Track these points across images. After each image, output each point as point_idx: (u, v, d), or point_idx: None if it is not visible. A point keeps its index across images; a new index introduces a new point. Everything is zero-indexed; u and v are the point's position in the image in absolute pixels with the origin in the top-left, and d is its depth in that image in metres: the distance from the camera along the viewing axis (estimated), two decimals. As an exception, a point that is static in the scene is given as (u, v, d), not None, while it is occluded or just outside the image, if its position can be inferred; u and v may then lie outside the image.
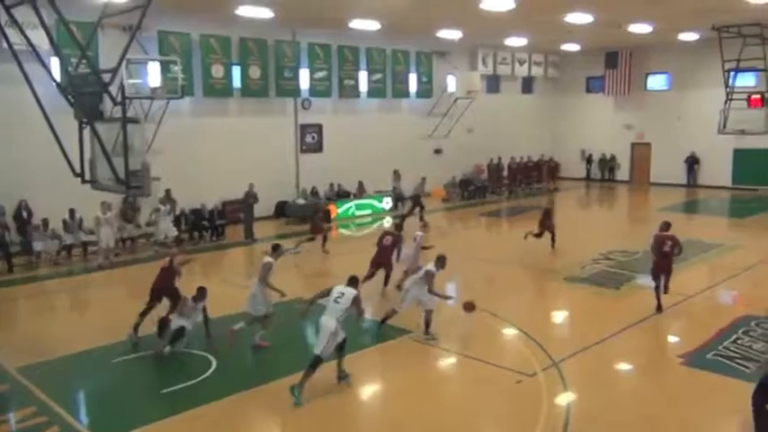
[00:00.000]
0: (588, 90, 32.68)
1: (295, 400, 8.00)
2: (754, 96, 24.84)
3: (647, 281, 13.68)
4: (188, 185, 19.13)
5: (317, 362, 8.18)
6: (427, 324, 10.38)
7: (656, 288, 11.63)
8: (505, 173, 28.99)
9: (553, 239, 16.64)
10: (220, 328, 10.22)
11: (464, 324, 11.16)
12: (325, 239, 16.74)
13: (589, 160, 32.40)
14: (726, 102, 24.20)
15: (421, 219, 20.01)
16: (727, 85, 24.22)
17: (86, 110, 8.95)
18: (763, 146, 26.14)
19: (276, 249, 10.45)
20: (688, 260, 15.35)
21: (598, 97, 31.79)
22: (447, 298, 10.74)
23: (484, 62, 28.42)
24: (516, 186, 28.83)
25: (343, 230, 20.99)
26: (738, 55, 23.24)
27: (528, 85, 32.02)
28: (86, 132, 9.30)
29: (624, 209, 26.60)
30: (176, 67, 17.76)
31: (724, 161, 27.94)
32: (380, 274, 12.87)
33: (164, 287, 10.26)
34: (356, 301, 8.36)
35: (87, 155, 9.51)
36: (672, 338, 10.79)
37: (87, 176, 9.61)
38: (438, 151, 27.40)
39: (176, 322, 9.71)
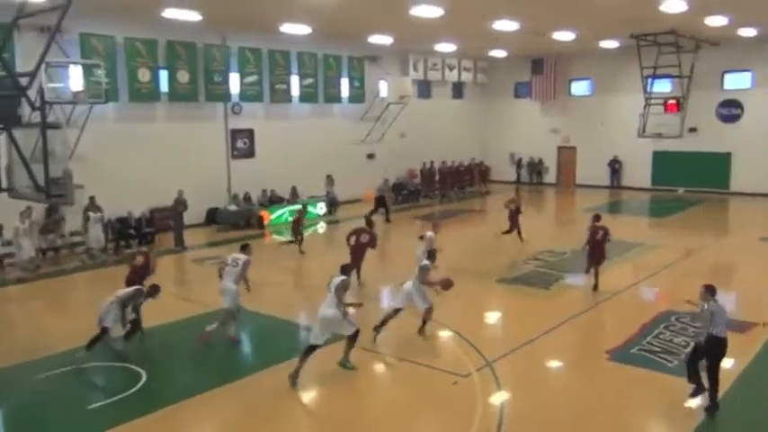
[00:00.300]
0: (516, 95, 33.54)
1: (293, 385, 8.62)
2: (670, 102, 26.20)
3: (574, 280, 14.20)
4: (113, 193, 18.47)
5: (310, 350, 8.87)
6: (424, 322, 10.66)
7: (587, 271, 13.56)
8: (438, 177, 29.36)
9: (519, 234, 17.85)
10: (155, 339, 9.89)
11: (399, 327, 11.22)
12: (300, 241, 17.18)
13: (519, 164, 33.26)
14: (645, 107, 25.40)
15: (387, 220, 21.51)
16: (645, 91, 25.43)
17: (2, 115, 8.52)
18: (679, 148, 27.49)
19: (247, 247, 10.80)
20: (612, 259, 15.95)
21: (526, 102, 32.70)
22: (439, 284, 10.39)
23: (415, 67, 28.75)
24: (448, 190, 29.26)
25: (276, 237, 20.75)
26: (655, 62, 24.46)
27: (458, 90, 32.60)
28: (2, 138, 8.86)
29: (552, 211, 27.42)
30: (100, 71, 17.14)
31: (644, 163, 29.23)
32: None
33: (136, 283, 10.32)
34: (339, 286, 8.88)
35: (4, 161, 9.06)
36: (599, 335, 11.18)
37: (4, 184, 9.16)
38: (371, 156, 27.49)
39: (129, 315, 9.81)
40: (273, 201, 22.80)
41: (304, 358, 8.84)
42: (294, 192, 23.49)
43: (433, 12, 17.92)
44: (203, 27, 19.93)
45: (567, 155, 32.11)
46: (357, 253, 13.55)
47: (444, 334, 10.95)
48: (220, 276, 10.49)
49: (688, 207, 24.66)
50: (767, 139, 26.28)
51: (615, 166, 30.28)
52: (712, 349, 7.73)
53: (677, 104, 25.91)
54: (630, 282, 14.09)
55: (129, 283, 10.40)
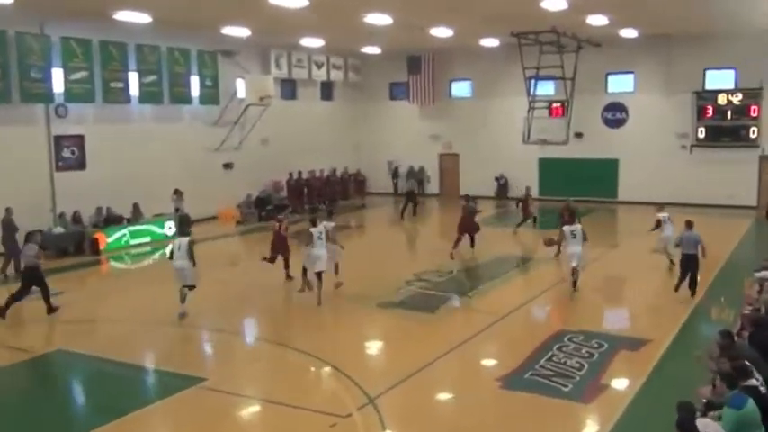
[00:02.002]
0: (392, 97, 34.36)
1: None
2: (555, 105, 27.91)
3: (461, 301, 14.65)
4: None
5: (321, 274, 14.35)
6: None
7: (457, 241, 18.57)
8: (307, 190, 29.27)
9: (472, 241, 19.53)
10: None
11: (265, 364, 11.01)
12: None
13: (395, 174, 33.95)
14: (528, 110, 26.86)
15: (414, 213, 26.61)
16: (529, 94, 26.90)
17: None
18: (565, 155, 29.29)
19: (332, 215, 17.06)
20: (501, 276, 16.64)
21: (403, 105, 33.55)
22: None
23: (277, 64, 28.65)
24: (320, 204, 29.30)
25: (115, 264, 19.77)
26: (538, 62, 25.96)
27: (328, 90, 32.86)
28: None
29: (435, 225, 28.19)
30: None
31: (530, 172, 30.76)
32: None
33: (282, 247, 15.97)
34: (332, 230, 15.37)
35: None
36: (489, 362, 11.56)
37: None
38: (228, 166, 26.99)
39: None
40: (110, 221, 21.72)
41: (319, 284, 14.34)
42: (136, 209, 22.53)
43: (295, 1, 17.93)
44: (15, 12, 18.69)
45: (449, 163, 33.25)
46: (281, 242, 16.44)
47: (319, 369, 10.87)
48: (309, 246, 14.51)
49: (577, 218, 26.19)
50: (652, 144, 28.62)
51: (500, 182, 31.69)
52: (690, 262, 14.20)
53: (562, 108, 27.68)
54: (520, 301, 14.72)
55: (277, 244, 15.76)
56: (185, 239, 13.85)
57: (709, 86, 27.66)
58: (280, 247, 16.32)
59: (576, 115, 27.76)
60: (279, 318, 14.35)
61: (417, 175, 33.57)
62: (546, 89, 28.79)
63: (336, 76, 32.19)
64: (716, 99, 27.23)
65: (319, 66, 31.00)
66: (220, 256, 20.08)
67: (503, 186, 31.68)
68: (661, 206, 18.17)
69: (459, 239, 19.23)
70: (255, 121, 27.09)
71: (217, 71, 26.08)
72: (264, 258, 16.45)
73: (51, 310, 13.75)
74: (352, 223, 26.98)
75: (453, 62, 32.03)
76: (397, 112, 33.86)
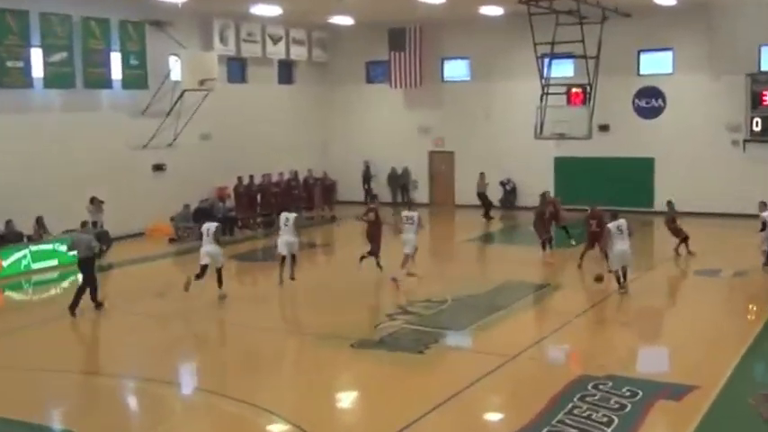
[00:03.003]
0: (370, 80, 34.41)
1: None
2: (574, 90, 28.01)
3: (458, 339, 14.64)
4: None
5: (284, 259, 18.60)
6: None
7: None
8: (260, 198, 29.13)
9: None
10: None
11: (209, 422, 10.92)
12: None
13: (367, 176, 33.77)
14: (542, 97, 26.94)
15: (487, 215, 29.19)
16: (541, 76, 27.00)
17: None
18: (587, 153, 29.48)
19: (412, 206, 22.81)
20: (508, 307, 16.68)
21: (383, 90, 33.60)
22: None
23: (222, 38, 28.61)
24: (278, 215, 29.03)
25: (11, 295, 19.56)
26: (552, 37, 26.08)
27: (287, 72, 32.83)
28: None
29: (424, 243, 28.14)
30: None
31: (544, 174, 30.83)
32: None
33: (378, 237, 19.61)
34: (296, 219, 19.49)
35: None
36: (493, 416, 11.53)
37: None
38: (160, 168, 26.87)
39: None
40: (7, 239, 21.55)
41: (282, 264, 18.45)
42: (40, 224, 22.36)
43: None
44: None
45: (441, 163, 33.39)
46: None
47: (278, 429, 10.80)
48: (401, 232, 19.51)
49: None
50: (696, 139, 28.86)
51: (507, 188, 31.77)
52: None
53: (583, 94, 27.80)
54: (533, 338, 14.73)
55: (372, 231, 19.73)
56: (213, 224, 18.25)
57: (766, 67, 28.01)
58: (376, 237, 19.76)
59: (601, 103, 27.83)
60: (225, 361, 14.25)
61: (401, 180, 33.59)
62: (563, 70, 28.93)
63: (298, 53, 32.19)
64: (775, 82, 27.57)
65: (276, 40, 30.99)
66: (149, 283, 19.93)
67: (510, 193, 31.77)
68: (765, 204, 19.46)
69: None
70: (194, 110, 26.99)
71: (144, 47, 25.96)
72: (363, 256, 19.67)
73: (98, 304, 16.86)
74: (318, 240, 26.94)
75: (446, 36, 32.15)
76: (376, 100, 33.91)
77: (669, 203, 22.22)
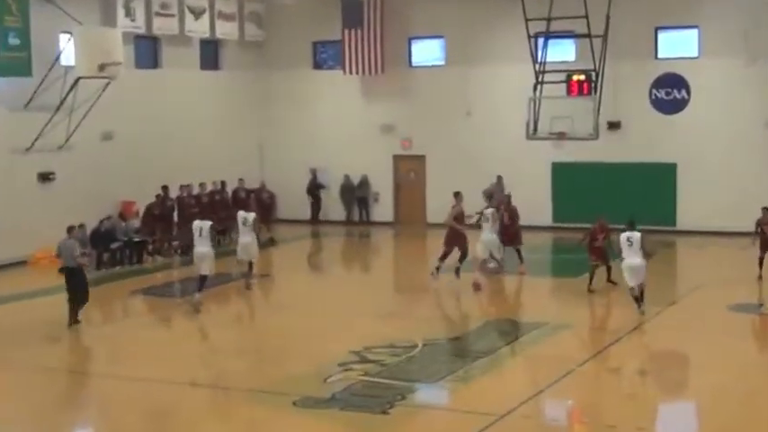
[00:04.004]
0: (318, 65, 34.57)
1: None
2: (576, 78, 28.19)
3: (431, 394, 14.62)
4: None
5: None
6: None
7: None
8: (177, 216, 28.90)
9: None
10: None
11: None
12: None
13: (313, 186, 33.66)
14: (535, 86, 27.09)
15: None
16: (535, 60, 27.17)
17: None
18: (593, 158, 29.76)
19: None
20: (494, 353, 16.73)
21: (335, 77, 33.70)
22: None
23: (128, 11, 28.47)
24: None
25: None
26: (549, 10, 26.25)
27: (212, 54, 32.85)
28: None
29: (388, 272, 28.18)
30: None
31: (540, 184, 31.05)
32: None
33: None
34: (255, 221, 22.40)
35: None
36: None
37: None
38: (47, 177, 26.69)
39: None
40: None
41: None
42: None
43: None
44: None
45: (410, 170, 33.47)
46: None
47: None
48: (479, 227, 22.93)
49: (612, 258, 26.49)
50: (727, 140, 29.21)
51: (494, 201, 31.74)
52: None
53: (588, 83, 28.00)
54: (526, 392, 14.73)
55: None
56: (207, 223, 21.21)
57: (814, 47, 28.45)
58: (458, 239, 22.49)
59: (610, 95, 28.13)
60: (131, 428, 14.12)
61: (358, 192, 33.54)
62: (563, 53, 29.19)
63: (226, 30, 32.18)
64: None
65: (198, 14, 30.94)
66: (34, 327, 19.70)
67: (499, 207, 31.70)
68: None
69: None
70: (92, 103, 26.88)
71: (28, 23, 25.78)
72: (443, 258, 22.38)
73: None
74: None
75: (415, 10, 32.37)
76: (326, 90, 34.01)
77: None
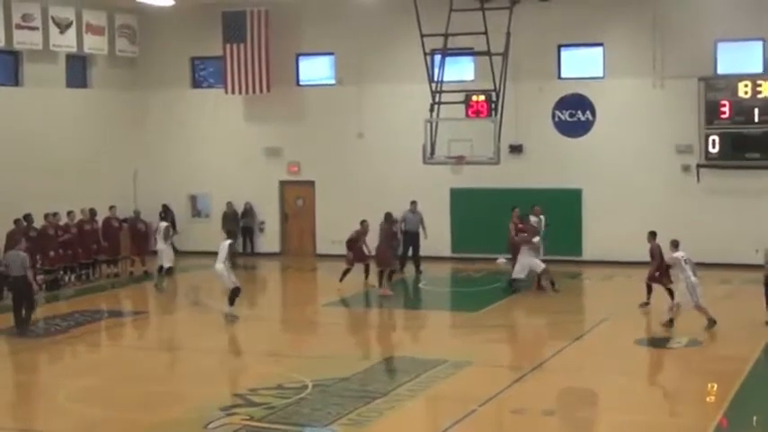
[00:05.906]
0: (197, 83, 34.59)
1: None
2: (475, 98, 28.46)
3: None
4: None
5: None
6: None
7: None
8: (40, 249, 28.37)
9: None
10: None
11: None
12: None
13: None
14: (432, 107, 27.28)
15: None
16: (432, 78, 27.37)
17: None
18: (494, 183, 30.07)
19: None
20: (390, 393, 16.73)
21: (215, 96, 33.71)
22: None
23: (-13, 24, 28.08)
24: (67, 271, 28.47)
25: None
26: (446, 26, 26.50)
27: (79, 71, 32.53)
28: None
29: (275, 308, 28.04)
30: None
31: (437, 210, 31.15)
32: None
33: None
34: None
35: None
36: None
37: None
38: None
39: None
40: None
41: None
42: None
43: None
44: None
45: (298, 197, 33.55)
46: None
47: None
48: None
49: (514, 291, 26.68)
50: (635, 164, 29.78)
51: (402, 231, 31.49)
52: None
53: (488, 104, 28.27)
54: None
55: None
56: (227, 242, 23.52)
57: (723, 69, 29.15)
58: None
59: (512, 116, 28.42)
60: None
61: (241, 221, 33.33)
62: (461, 71, 29.46)
63: (95, 44, 31.91)
64: (735, 89, 28.55)
65: (64, 26, 30.62)
66: None
67: (410, 239, 31.26)
68: (676, 244, 21.24)
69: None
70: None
71: None
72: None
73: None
74: (124, 307, 26.55)
75: (302, 23, 32.46)
76: (206, 110, 33.89)
77: None
